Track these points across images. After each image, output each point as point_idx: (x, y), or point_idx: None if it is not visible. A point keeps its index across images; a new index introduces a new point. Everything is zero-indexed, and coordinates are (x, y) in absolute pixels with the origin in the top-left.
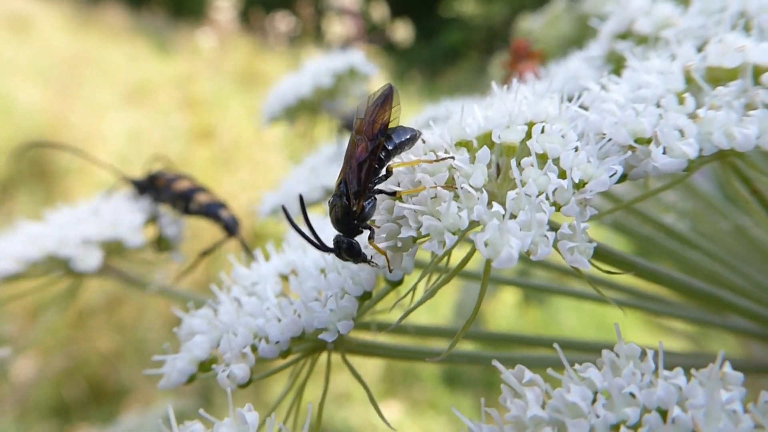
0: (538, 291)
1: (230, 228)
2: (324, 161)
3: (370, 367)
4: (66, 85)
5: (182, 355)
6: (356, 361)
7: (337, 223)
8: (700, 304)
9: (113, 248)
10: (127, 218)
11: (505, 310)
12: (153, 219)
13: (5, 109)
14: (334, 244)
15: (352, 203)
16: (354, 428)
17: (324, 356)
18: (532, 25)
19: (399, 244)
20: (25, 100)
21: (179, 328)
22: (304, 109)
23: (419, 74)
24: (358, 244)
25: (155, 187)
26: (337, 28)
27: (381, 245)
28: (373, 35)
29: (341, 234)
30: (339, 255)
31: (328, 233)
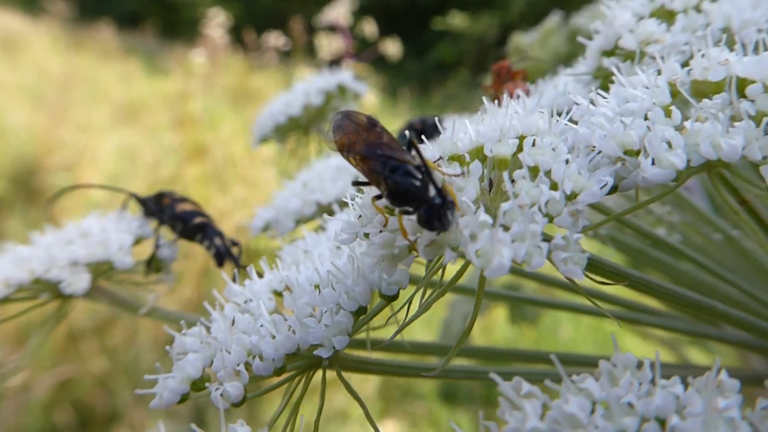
0: (531, 305)
1: (220, 256)
2: (316, 176)
3: (367, 385)
4: (57, 106)
5: (174, 374)
6: (353, 379)
7: None
8: (695, 316)
9: (102, 269)
10: (116, 238)
11: (501, 326)
12: (143, 240)
13: None
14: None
15: None
16: None
17: (320, 374)
18: (525, 42)
19: (396, 252)
20: (16, 121)
21: (171, 346)
22: (294, 128)
23: (410, 89)
24: None
25: (160, 205)
26: (328, 44)
27: (376, 253)
28: (363, 52)
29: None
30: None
31: (321, 250)
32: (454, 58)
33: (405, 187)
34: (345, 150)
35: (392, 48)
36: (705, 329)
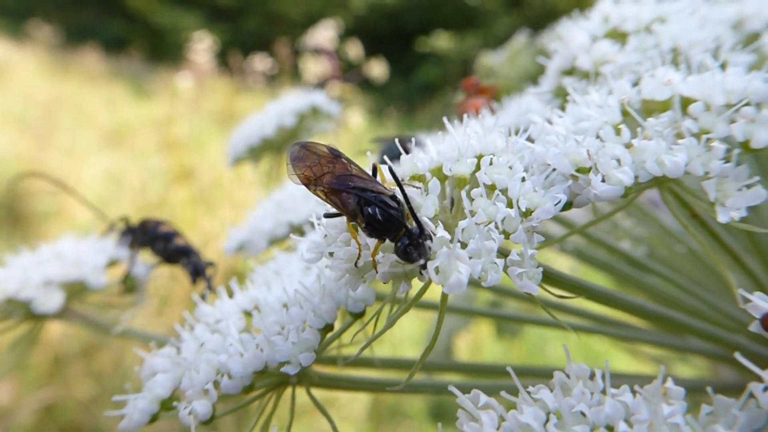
0: (511, 321)
1: (196, 272)
2: (288, 196)
3: (357, 406)
4: (43, 131)
5: (144, 394)
6: (341, 400)
7: None
8: (662, 328)
9: (76, 290)
10: (90, 259)
11: (489, 345)
12: (117, 261)
13: None
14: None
15: None
16: None
17: (299, 394)
18: (493, 61)
19: (360, 264)
20: (0, 146)
21: (140, 367)
22: (268, 148)
23: (396, 110)
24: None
25: (144, 229)
26: (314, 67)
27: (341, 267)
28: (349, 73)
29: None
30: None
31: (291, 270)
32: (439, 79)
33: (384, 218)
34: (312, 183)
35: (378, 69)
36: (671, 341)
